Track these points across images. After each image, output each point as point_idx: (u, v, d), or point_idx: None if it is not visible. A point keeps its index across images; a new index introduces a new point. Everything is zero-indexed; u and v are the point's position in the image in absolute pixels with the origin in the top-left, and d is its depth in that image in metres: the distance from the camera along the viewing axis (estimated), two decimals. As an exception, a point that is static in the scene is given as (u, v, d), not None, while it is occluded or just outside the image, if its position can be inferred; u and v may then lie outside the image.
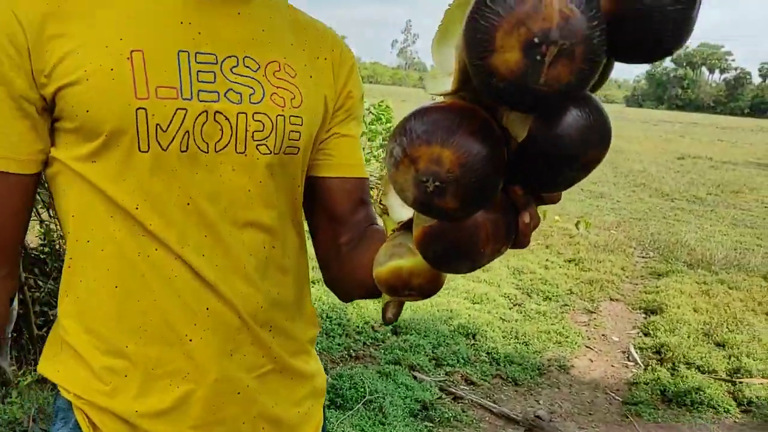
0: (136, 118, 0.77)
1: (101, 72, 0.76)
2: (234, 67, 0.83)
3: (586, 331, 4.70)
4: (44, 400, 2.52)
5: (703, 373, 3.92)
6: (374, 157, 8.37)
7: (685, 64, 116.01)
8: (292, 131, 0.87)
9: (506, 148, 0.55)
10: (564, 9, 0.45)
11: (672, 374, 3.89)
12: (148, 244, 0.82)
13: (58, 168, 0.83)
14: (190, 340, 0.84)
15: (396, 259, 0.69)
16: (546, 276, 5.77)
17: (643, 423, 3.38)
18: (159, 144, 0.79)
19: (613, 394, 3.73)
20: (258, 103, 0.84)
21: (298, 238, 0.96)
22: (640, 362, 4.15)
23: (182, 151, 0.80)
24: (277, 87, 0.86)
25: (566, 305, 5.17)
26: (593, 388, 3.79)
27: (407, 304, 4.52)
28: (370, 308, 4.47)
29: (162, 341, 0.84)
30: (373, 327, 4.27)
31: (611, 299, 5.44)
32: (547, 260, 6.33)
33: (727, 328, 4.59)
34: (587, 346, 4.43)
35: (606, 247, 6.97)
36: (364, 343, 4.03)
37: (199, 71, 0.81)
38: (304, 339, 0.98)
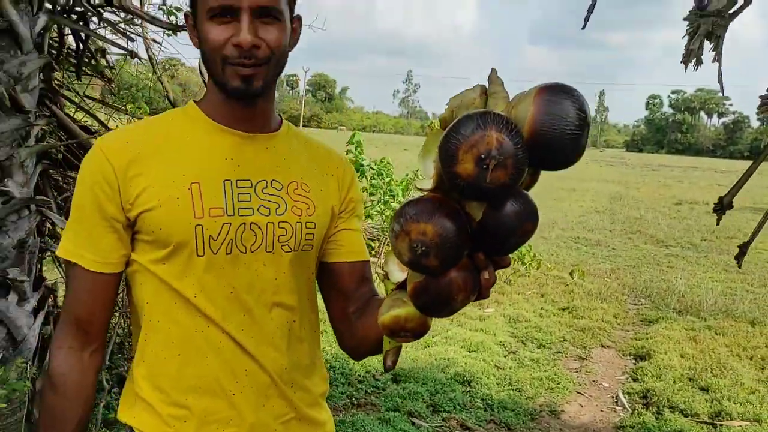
0: (195, 232, 1.09)
1: (170, 200, 1.08)
2: (264, 188, 1.15)
3: (578, 377, 4.92)
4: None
5: (686, 416, 4.13)
6: (376, 211, 8.70)
7: (683, 109, 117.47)
8: (308, 234, 1.18)
9: (469, 226, 0.85)
10: (499, 137, 0.75)
11: (657, 418, 4.11)
12: (203, 323, 1.12)
13: (137, 267, 1.14)
14: (233, 394, 1.14)
15: (395, 309, 0.96)
16: (540, 324, 6.00)
17: (627, 464, 3.59)
18: (211, 250, 1.10)
19: (600, 438, 3.94)
20: (282, 214, 1.15)
21: (313, 314, 1.27)
22: (627, 407, 4.37)
23: (227, 254, 1.11)
24: (296, 201, 1.17)
25: (559, 352, 5.40)
26: (582, 432, 4.01)
27: (407, 353, 4.79)
28: (371, 358, 4.71)
29: (212, 395, 1.13)
30: (374, 376, 4.51)
31: (603, 346, 5.67)
32: (541, 308, 6.57)
33: (711, 372, 4.81)
34: (578, 392, 4.65)
35: (599, 295, 7.21)
36: (366, 392, 4.26)
37: (239, 194, 1.12)
38: (318, 393, 1.28)
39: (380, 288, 1.15)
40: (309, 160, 1.24)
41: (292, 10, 1.14)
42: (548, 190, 20.02)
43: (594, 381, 4.89)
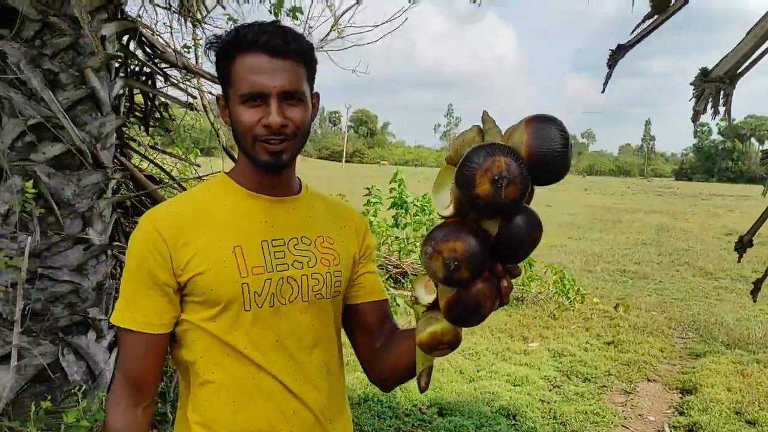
0: (242, 290, 1.21)
1: (217, 264, 1.21)
2: (296, 245, 1.29)
3: (623, 411, 4.94)
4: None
5: (733, 450, 4.13)
6: (418, 247, 8.87)
7: (732, 136, 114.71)
8: (336, 281, 1.33)
9: (487, 240, 1.03)
10: (506, 161, 0.94)
11: (703, 452, 4.12)
12: (253, 371, 1.24)
13: (188, 326, 1.25)
14: None
15: (431, 327, 1.11)
16: (585, 358, 6.04)
17: (672, 497, 3.62)
18: (256, 304, 1.23)
19: (646, 471, 3.98)
20: (313, 266, 1.29)
21: (340, 353, 1.42)
22: (673, 440, 4.38)
23: (270, 306, 1.24)
24: (324, 253, 1.32)
25: (604, 386, 5.42)
26: (628, 466, 4.05)
27: (452, 387, 4.91)
28: (417, 394, 4.85)
29: None
30: (420, 409, 4.64)
31: (649, 380, 5.67)
32: (586, 342, 6.59)
33: (758, 406, 4.78)
34: (624, 426, 4.68)
35: (645, 329, 7.18)
36: (413, 424, 4.39)
37: (275, 252, 1.26)
38: (349, 425, 1.43)
39: (400, 318, 1.34)
40: (328, 215, 1.39)
41: (311, 89, 1.28)
42: (592, 222, 19.87)
43: (640, 415, 4.90)
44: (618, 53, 1.63)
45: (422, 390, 1.21)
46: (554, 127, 0.99)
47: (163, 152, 4.15)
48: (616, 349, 6.41)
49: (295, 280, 1.26)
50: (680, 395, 5.28)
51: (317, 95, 1.33)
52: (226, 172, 1.34)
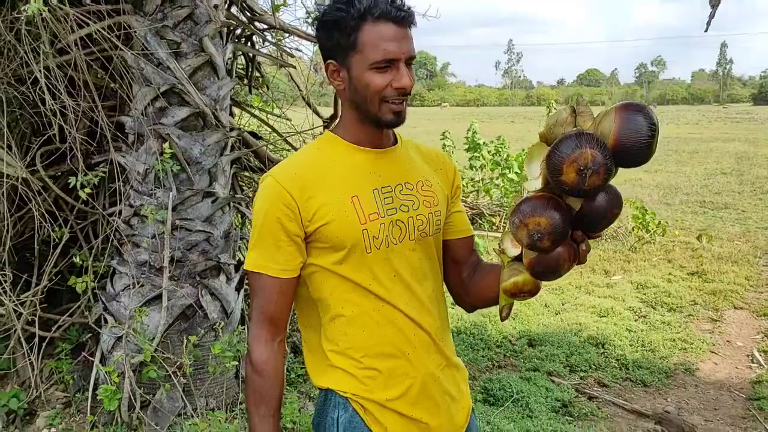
0: (362, 236, 1.37)
1: (340, 214, 1.36)
2: (401, 190, 1.44)
3: (711, 338, 5.06)
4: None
5: (825, 371, 4.21)
6: (495, 185, 9.00)
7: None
8: (437, 220, 1.48)
9: (570, 213, 1.19)
10: (592, 153, 1.08)
11: (795, 373, 4.22)
12: (379, 303, 1.41)
13: (315, 269, 1.40)
14: (408, 354, 1.44)
15: (514, 277, 1.27)
16: (669, 289, 6.12)
17: (765, 415, 3.77)
18: (375, 246, 1.38)
19: (737, 393, 4.13)
20: (417, 209, 1.44)
21: (442, 281, 1.57)
22: (763, 363, 4.49)
23: (386, 247, 1.40)
24: (425, 196, 1.47)
25: (690, 315, 5.53)
26: (718, 388, 4.21)
27: (539, 320, 5.15)
28: (506, 324, 5.10)
29: (394, 357, 1.43)
30: (510, 341, 4.89)
31: (735, 308, 5.73)
32: (669, 274, 6.65)
33: None
34: (712, 351, 4.81)
35: (730, 258, 7.16)
36: (505, 355, 4.66)
37: (384, 198, 1.41)
38: (452, 344, 1.64)
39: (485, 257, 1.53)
40: (423, 161, 1.54)
41: None
42: (667, 153, 19.32)
43: (728, 341, 5.01)
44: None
45: (503, 319, 1.40)
46: (643, 118, 1.07)
47: (264, 111, 4.41)
48: (700, 279, 6.46)
49: (403, 222, 1.42)
50: (769, 321, 5.34)
51: None
52: (330, 130, 1.49)
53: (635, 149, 1.08)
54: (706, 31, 1.78)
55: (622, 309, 5.57)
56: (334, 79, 1.41)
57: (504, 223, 8.23)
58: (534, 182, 1.19)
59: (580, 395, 4.03)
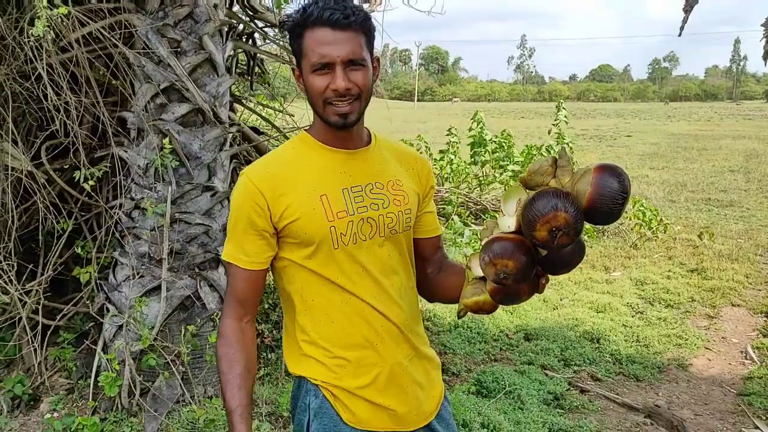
0: (330, 232, 1.44)
1: (309, 211, 1.44)
2: (371, 190, 1.51)
3: (706, 334, 5.10)
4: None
5: (817, 368, 4.25)
6: (500, 183, 9.04)
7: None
8: (407, 218, 1.55)
9: (536, 258, 1.30)
10: (566, 216, 1.19)
11: (786, 370, 4.26)
12: (347, 296, 1.49)
13: (287, 263, 1.50)
14: (376, 344, 1.51)
15: (476, 296, 1.41)
16: (668, 285, 6.16)
17: (753, 410, 3.83)
18: (343, 242, 1.46)
19: (728, 388, 4.18)
20: (387, 207, 1.51)
21: (413, 276, 1.65)
22: (757, 360, 4.54)
23: (354, 243, 1.47)
24: (395, 195, 1.54)
25: (687, 311, 5.57)
26: (710, 383, 4.26)
27: (537, 314, 5.20)
28: (504, 319, 5.17)
29: (361, 348, 1.51)
30: (507, 335, 4.96)
31: (733, 305, 5.76)
32: (669, 271, 6.69)
33: None
34: (706, 347, 4.86)
35: (730, 256, 7.18)
36: (501, 348, 4.73)
37: (354, 197, 1.48)
38: (424, 335, 1.72)
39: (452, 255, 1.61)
40: (396, 161, 1.60)
41: (371, 54, 1.46)
42: (676, 150, 19.26)
43: (723, 338, 5.05)
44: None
45: (459, 318, 1.49)
46: (618, 184, 1.17)
47: (266, 106, 4.50)
48: (699, 277, 6.49)
49: (373, 219, 1.49)
50: (765, 318, 5.38)
51: (377, 59, 1.51)
52: (306, 130, 1.56)
53: (606, 210, 1.19)
54: (679, 35, 1.84)
55: (620, 305, 5.62)
56: (299, 84, 1.49)
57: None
58: (508, 219, 1.31)
59: (572, 388, 4.10)
